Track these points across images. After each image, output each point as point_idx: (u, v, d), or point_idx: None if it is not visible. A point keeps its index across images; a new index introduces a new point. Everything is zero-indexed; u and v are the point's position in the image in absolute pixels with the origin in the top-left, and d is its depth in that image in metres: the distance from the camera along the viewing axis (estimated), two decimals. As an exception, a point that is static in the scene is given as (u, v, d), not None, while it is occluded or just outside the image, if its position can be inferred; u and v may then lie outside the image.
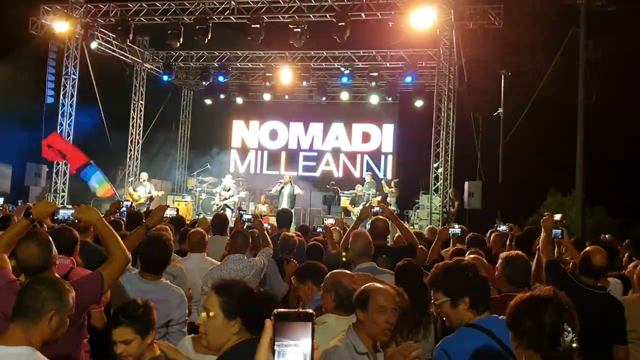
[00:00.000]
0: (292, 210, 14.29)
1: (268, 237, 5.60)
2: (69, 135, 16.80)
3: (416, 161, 17.53)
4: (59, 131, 16.54)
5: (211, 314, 2.37)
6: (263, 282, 5.09)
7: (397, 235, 5.86)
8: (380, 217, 5.56)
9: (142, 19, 15.46)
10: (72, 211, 3.20)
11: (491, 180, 16.24)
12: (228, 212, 15.41)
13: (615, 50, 16.40)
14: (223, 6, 14.71)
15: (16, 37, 17.25)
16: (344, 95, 19.14)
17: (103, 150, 18.56)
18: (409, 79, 17.21)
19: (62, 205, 3.24)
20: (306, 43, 14.63)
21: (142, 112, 19.69)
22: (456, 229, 6.33)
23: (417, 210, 15.94)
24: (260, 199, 17.13)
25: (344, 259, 4.92)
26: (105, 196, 15.11)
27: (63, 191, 16.72)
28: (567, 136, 15.26)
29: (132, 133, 19.50)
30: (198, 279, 4.99)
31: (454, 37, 14.37)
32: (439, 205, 14.29)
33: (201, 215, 14.96)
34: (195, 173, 18.18)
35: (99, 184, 14.93)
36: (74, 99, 16.84)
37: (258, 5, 14.46)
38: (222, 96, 20.15)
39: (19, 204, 12.37)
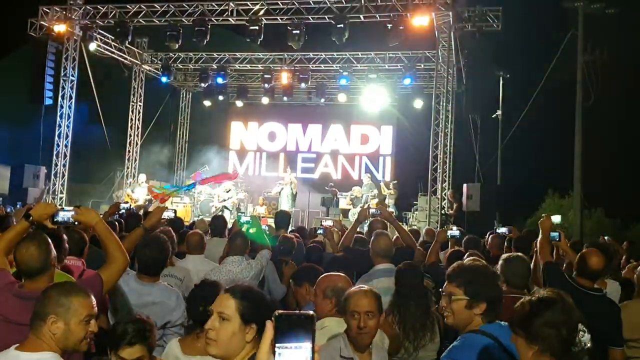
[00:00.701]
0: (293, 211, 14.33)
1: (267, 238, 5.60)
2: (67, 136, 16.80)
3: (414, 163, 17.56)
4: (57, 132, 16.57)
5: (226, 318, 2.19)
6: (262, 283, 5.09)
7: (395, 237, 5.87)
8: (379, 218, 5.57)
9: (140, 20, 15.47)
10: (72, 213, 3.20)
11: (490, 182, 16.22)
12: (227, 214, 15.42)
13: (614, 52, 16.41)
14: (222, 8, 14.74)
15: (15, 39, 17.26)
16: (342, 97, 19.16)
17: (101, 152, 18.59)
18: (407, 81, 17.22)
19: (61, 207, 3.24)
20: (305, 45, 14.65)
21: (141, 114, 19.68)
22: (454, 231, 6.34)
23: (416, 212, 15.96)
24: (259, 200, 17.14)
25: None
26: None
27: (61, 192, 16.72)
28: (566, 138, 15.29)
29: (130, 134, 19.50)
30: (197, 281, 4.99)
31: (453, 39, 14.40)
32: (438, 207, 14.31)
33: (200, 217, 14.95)
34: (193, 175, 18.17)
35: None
36: (73, 100, 16.86)
37: (257, 7, 14.48)
38: (220, 98, 20.16)
39: (18, 205, 12.38)
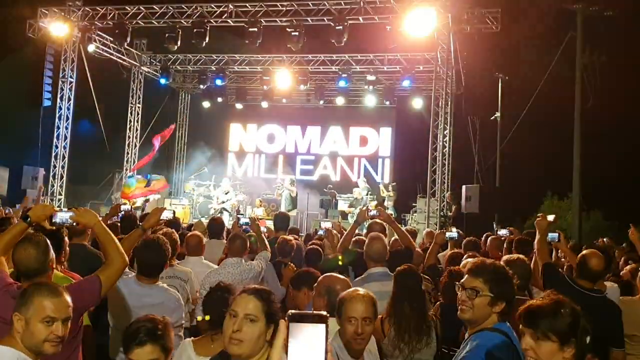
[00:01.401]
0: (293, 212, 14.30)
1: (265, 240, 5.60)
2: (65, 138, 16.78)
3: (413, 165, 17.55)
4: (55, 134, 16.55)
5: (254, 319, 2.22)
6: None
7: (393, 239, 5.86)
8: (377, 220, 5.56)
9: (139, 22, 15.45)
10: (71, 214, 3.20)
11: (488, 184, 16.22)
12: (226, 216, 15.42)
13: (613, 55, 16.43)
14: (221, 10, 14.72)
15: (13, 40, 17.24)
16: (341, 99, 19.16)
17: (100, 153, 18.56)
18: (406, 83, 17.24)
19: (59, 209, 3.24)
20: (304, 46, 14.66)
21: (140, 115, 19.68)
22: (453, 232, 6.35)
23: (415, 214, 15.97)
24: (256, 202, 17.12)
25: (340, 262, 4.92)
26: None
27: (60, 194, 16.69)
28: (564, 140, 15.28)
29: (129, 136, 19.50)
30: (196, 283, 4.99)
31: (452, 41, 14.40)
32: (437, 209, 14.31)
33: (199, 219, 14.94)
34: (192, 176, 18.16)
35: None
36: (71, 102, 16.84)
37: (256, 8, 14.47)
38: (219, 99, 20.15)
39: (17, 207, 12.33)
